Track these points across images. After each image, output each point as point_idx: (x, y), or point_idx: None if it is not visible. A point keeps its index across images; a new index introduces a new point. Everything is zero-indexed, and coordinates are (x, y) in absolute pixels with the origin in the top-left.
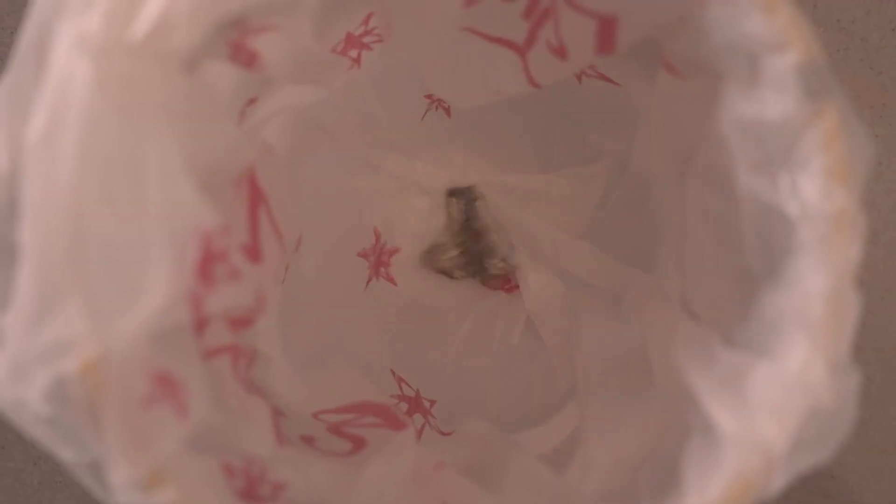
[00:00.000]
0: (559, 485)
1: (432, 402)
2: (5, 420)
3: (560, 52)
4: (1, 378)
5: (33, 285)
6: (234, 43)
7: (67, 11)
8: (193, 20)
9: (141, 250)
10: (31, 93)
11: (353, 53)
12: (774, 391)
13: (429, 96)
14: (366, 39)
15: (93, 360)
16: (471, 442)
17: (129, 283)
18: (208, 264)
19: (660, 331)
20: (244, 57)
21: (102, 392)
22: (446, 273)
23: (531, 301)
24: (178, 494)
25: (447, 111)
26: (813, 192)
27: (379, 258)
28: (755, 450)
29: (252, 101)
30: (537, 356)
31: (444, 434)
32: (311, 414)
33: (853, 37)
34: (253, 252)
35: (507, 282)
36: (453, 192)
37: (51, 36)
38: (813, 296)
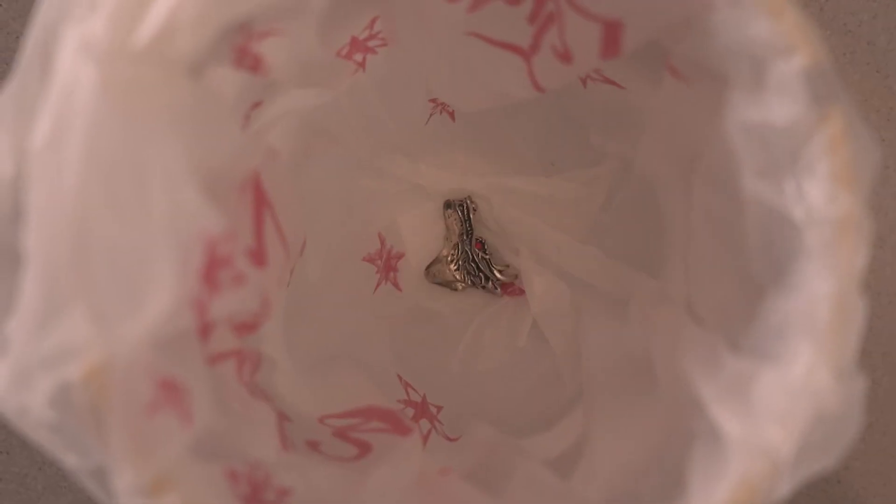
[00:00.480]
0: (564, 490)
1: (439, 408)
2: (10, 425)
3: (565, 56)
4: (5, 384)
5: (37, 291)
6: (239, 47)
7: (72, 16)
8: (198, 25)
9: (145, 255)
10: (35, 98)
11: (358, 57)
12: (780, 396)
13: (433, 100)
14: (370, 43)
15: (97, 366)
16: (476, 447)
17: (134, 288)
18: (213, 269)
19: (665, 335)
20: (249, 61)
21: (106, 398)
22: (448, 286)
23: (536, 305)
24: (182, 500)
25: (451, 115)
26: (818, 196)
27: (387, 263)
28: (760, 455)
29: (256, 105)
30: (543, 360)
31: (450, 439)
32: (316, 419)
33: (860, 40)
34: (258, 256)
35: (511, 286)
36: (450, 204)
37: (55, 40)
38: (818, 300)
